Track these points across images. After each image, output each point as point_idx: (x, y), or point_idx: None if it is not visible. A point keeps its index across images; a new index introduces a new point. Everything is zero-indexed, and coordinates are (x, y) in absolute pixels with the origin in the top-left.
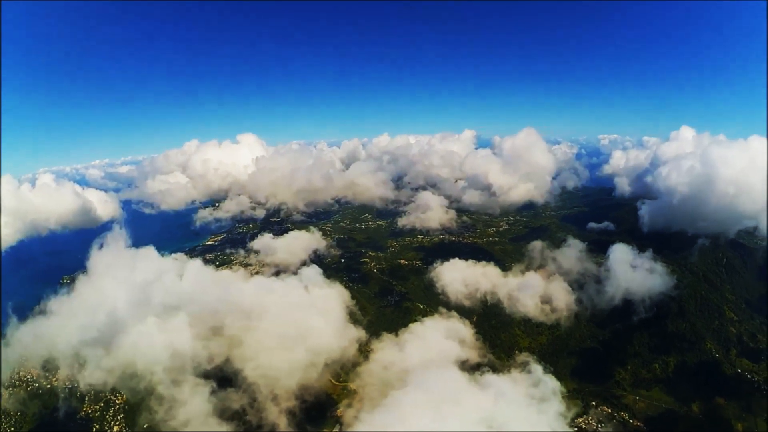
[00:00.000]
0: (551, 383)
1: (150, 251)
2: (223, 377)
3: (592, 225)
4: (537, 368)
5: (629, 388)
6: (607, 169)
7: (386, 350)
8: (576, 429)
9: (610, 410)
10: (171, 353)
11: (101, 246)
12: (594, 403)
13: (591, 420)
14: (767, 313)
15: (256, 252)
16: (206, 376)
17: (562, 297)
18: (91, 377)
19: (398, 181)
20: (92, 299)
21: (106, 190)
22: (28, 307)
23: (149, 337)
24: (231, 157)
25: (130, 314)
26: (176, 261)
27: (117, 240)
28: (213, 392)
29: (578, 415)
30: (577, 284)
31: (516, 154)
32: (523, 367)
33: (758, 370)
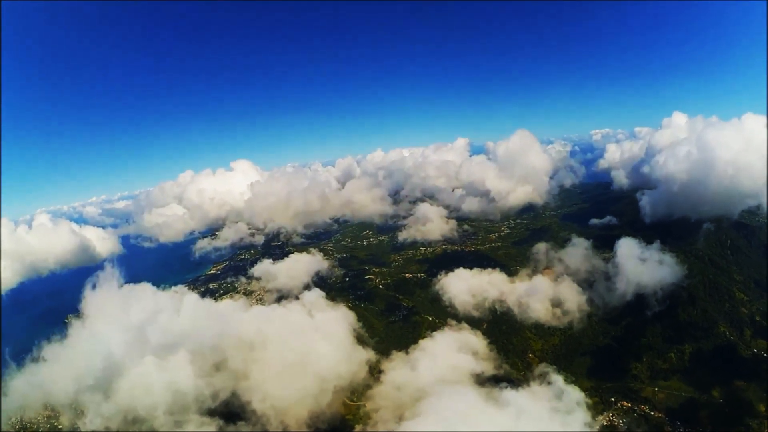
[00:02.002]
0: (574, 394)
1: (146, 287)
2: (230, 413)
3: (594, 221)
4: (557, 379)
5: (647, 380)
6: (602, 163)
7: (398, 370)
8: (599, 428)
9: (630, 405)
10: (172, 393)
11: (94, 286)
12: (613, 399)
13: (611, 416)
14: None
15: (258, 279)
16: (212, 413)
17: (573, 298)
18: (92, 424)
19: (395, 195)
20: (87, 343)
21: (104, 227)
22: (30, 351)
23: (148, 378)
24: (226, 185)
25: (128, 355)
26: (174, 295)
27: (110, 278)
28: (220, 430)
29: (599, 413)
30: (586, 283)
31: (511, 158)
32: (543, 378)
33: None
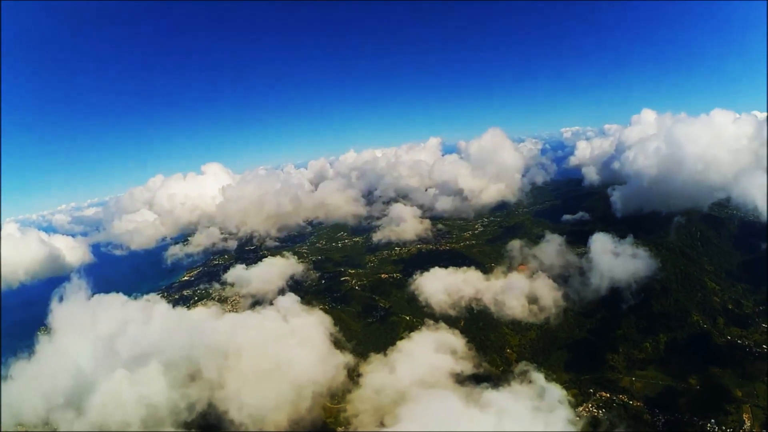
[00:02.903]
0: (556, 392)
1: (116, 297)
2: (207, 424)
3: (567, 217)
4: (538, 377)
5: (624, 371)
6: (573, 160)
7: (376, 372)
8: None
9: (608, 395)
10: (146, 407)
11: (61, 298)
12: (591, 390)
13: (591, 407)
14: (748, 279)
15: (232, 284)
16: (188, 425)
17: (549, 294)
18: None
19: (369, 196)
20: (55, 358)
21: (73, 235)
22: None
23: (120, 393)
24: (197, 189)
25: (98, 370)
26: (146, 305)
27: (77, 290)
28: None
29: (578, 404)
30: (561, 278)
31: (483, 156)
32: (523, 376)
33: (748, 335)
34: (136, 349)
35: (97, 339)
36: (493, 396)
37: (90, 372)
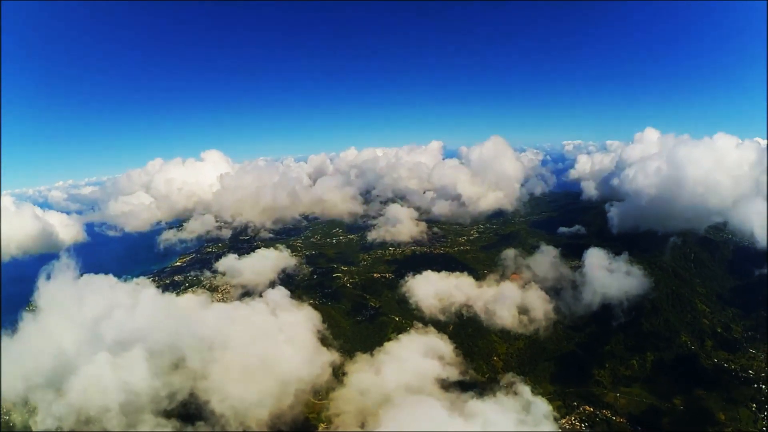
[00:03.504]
0: (543, 406)
1: (104, 279)
2: (187, 414)
3: (563, 229)
4: (525, 389)
5: (609, 386)
6: (573, 174)
7: (362, 373)
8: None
9: (592, 409)
10: (126, 393)
11: (49, 277)
12: (575, 403)
13: (574, 420)
14: (739, 304)
15: (223, 273)
16: (169, 414)
17: (540, 306)
18: (44, 424)
19: (367, 195)
20: (39, 337)
21: (68, 213)
22: None
23: (101, 377)
24: (195, 176)
25: (81, 352)
26: (135, 288)
27: (66, 269)
28: (177, 430)
29: (562, 417)
30: (553, 291)
31: (484, 163)
32: (510, 388)
33: (735, 359)
34: (121, 333)
35: (82, 320)
36: (478, 406)
37: (73, 353)
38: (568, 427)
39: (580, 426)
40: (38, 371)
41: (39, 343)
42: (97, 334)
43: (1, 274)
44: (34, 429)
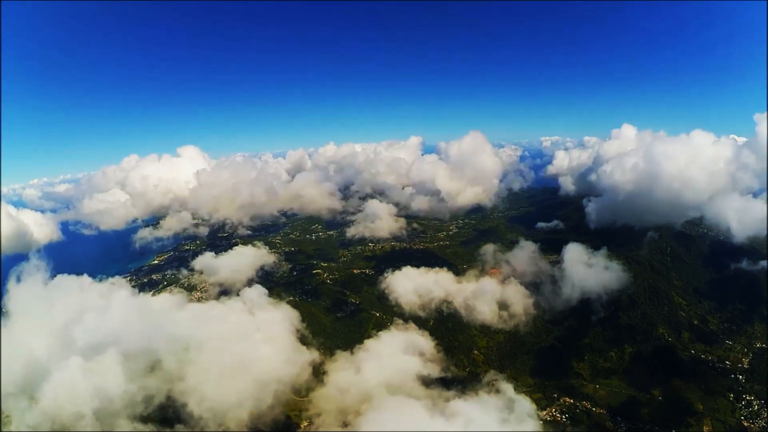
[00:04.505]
0: (526, 404)
1: (78, 279)
2: (165, 417)
3: (541, 224)
4: (507, 387)
5: (589, 378)
6: (551, 169)
7: (342, 371)
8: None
9: (572, 401)
10: (100, 398)
11: (19, 278)
12: (555, 395)
13: (554, 412)
14: (714, 297)
15: (200, 272)
16: (146, 418)
17: (520, 301)
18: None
19: (345, 191)
20: (8, 343)
21: (43, 211)
22: None
23: (74, 382)
24: (172, 172)
25: (53, 357)
26: (108, 289)
27: (36, 271)
28: None
29: (542, 408)
30: (533, 286)
31: (463, 159)
32: (492, 386)
33: (712, 350)
34: (94, 336)
35: (53, 323)
36: (460, 406)
37: (44, 358)
38: (548, 419)
39: (561, 417)
40: (9, 378)
41: (9, 349)
42: (69, 337)
43: None
44: None
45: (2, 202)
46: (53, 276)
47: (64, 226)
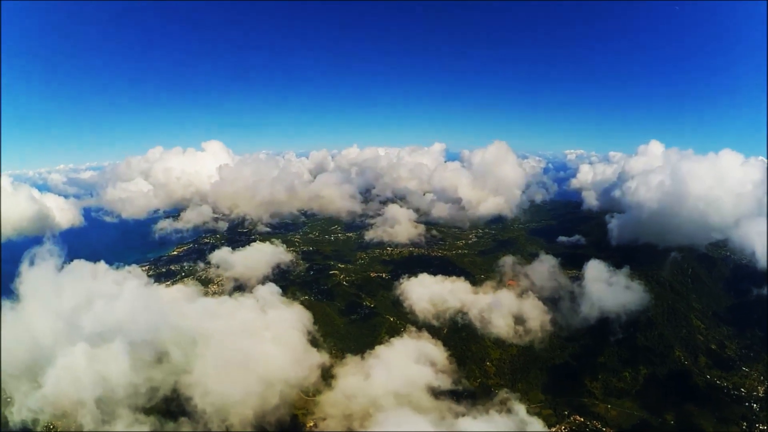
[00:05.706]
0: (536, 425)
1: (94, 266)
2: (168, 410)
3: (562, 238)
4: (520, 408)
5: (601, 397)
6: (574, 183)
7: (351, 376)
8: None
9: (582, 419)
10: (103, 387)
11: (32, 262)
12: (566, 413)
13: (564, 429)
14: (734, 322)
15: (217, 266)
16: (149, 410)
17: (536, 316)
18: (19, 415)
19: (366, 194)
20: (17, 326)
21: (66, 196)
22: None
23: (78, 369)
24: (195, 165)
25: (59, 342)
26: (121, 277)
27: (49, 255)
28: (155, 429)
29: (552, 425)
30: (551, 301)
31: (486, 168)
32: (503, 405)
33: (728, 377)
34: (102, 323)
35: (62, 308)
36: (469, 424)
37: (51, 343)
38: None
39: None
40: (13, 360)
41: (15, 332)
42: (77, 323)
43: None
44: (10, 420)
45: (25, 186)
46: (70, 261)
47: (87, 212)
